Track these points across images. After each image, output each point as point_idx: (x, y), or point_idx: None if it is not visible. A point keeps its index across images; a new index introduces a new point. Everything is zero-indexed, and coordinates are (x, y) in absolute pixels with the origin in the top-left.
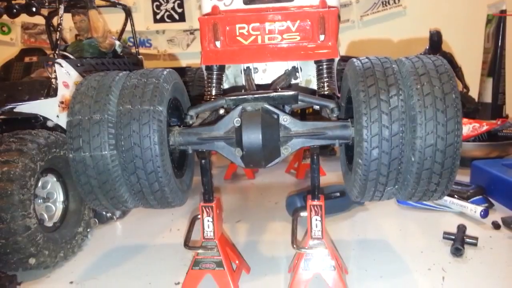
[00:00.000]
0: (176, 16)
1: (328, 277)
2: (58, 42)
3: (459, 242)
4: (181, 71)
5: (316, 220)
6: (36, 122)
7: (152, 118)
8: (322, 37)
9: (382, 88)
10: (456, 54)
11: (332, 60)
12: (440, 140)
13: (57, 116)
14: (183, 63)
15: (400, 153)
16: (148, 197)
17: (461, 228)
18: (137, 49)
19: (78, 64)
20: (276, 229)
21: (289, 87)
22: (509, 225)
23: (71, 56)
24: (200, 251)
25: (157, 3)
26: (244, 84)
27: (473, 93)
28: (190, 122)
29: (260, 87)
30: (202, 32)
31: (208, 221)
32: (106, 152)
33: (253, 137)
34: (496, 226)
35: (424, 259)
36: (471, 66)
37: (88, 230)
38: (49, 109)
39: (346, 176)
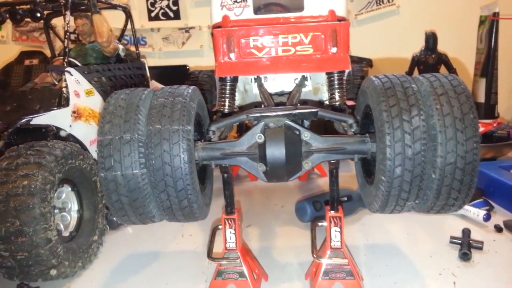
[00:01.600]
0: (171, 14)
1: (347, 286)
2: (67, 50)
3: (466, 246)
4: (180, 70)
5: (336, 231)
6: (48, 132)
7: (182, 137)
8: (334, 49)
9: (404, 108)
10: (449, 53)
11: (343, 72)
12: (460, 158)
13: (70, 126)
14: (179, 61)
15: (422, 171)
16: (176, 213)
17: (466, 232)
18: (137, 51)
19: (86, 71)
20: (286, 235)
21: (305, 102)
22: (509, 228)
23: (77, 62)
24: (223, 262)
25: (152, 0)
26: (256, 92)
27: None
28: (212, 138)
29: (271, 96)
30: (216, 44)
31: (230, 232)
32: (137, 171)
33: (277, 153)
34: (498, 229)
35: (434, 264)
36: (464, 66)
37: (102, 237)
38: (62, 119)
39: (364, 189)
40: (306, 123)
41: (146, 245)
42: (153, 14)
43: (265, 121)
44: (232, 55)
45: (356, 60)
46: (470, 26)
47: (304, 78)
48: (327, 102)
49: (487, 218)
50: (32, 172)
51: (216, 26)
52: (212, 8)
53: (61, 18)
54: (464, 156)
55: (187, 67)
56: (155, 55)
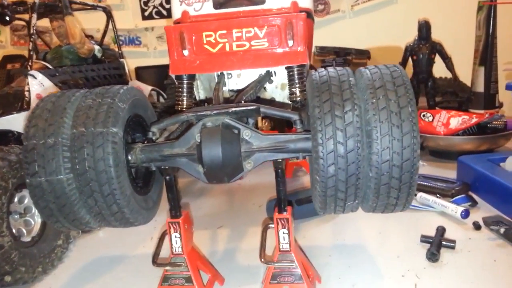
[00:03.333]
0: (164, 12)
1: None
2: (31, 53)
3: (436, 246)
4: None
5: (284, 233)
6: (11, 136)
7: (106, 140)
8: (290, 42)
9: (336, 103)
10: (448, 42)
11: (303, 66)
12: (396, 155)
13: None
14: None
15: (357, 169)
16: (108, 219)
17: (440, 231)
18: (120, 52)
19: (56, 74)
20: (256, 235)
21: (257, 98)
22: (490, 225)
23: (48, 65)
24: (168, 268)
25: None
26: (225, 89)
27: (466, 82)
28: (153, 138)
29: (235, 93)
30: (169, 41)
31: (176, 236)
32: (61, 176)
33: (213, 153)
34: (477, 226)
35: (400, 265)
36: (464, 54)
37: (70, 241)
38: (22, 123)
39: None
40: (251, 121)
41: (114, 248)
42: (146, 13)
43: (204, 121)
44: (185, 52)
45: (354, 53)
46: (469, 13)
47: (268, 74)
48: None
49: (466, 215)
50: None
51: (177, 23)
52: (172, 4)
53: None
54: (400, 152)
55: None
56: (150, 55)
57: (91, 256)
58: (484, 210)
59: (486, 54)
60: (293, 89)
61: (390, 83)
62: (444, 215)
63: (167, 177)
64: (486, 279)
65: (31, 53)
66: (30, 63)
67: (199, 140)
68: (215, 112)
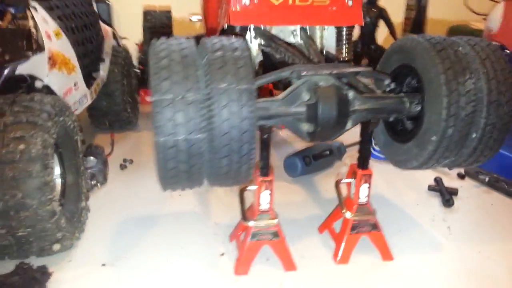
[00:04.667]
0: None
1: (373, 238)
2: None
3: (447, 193)
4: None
5: (365, 187)
6: (20, 83)
7: (251, 98)
8: (350, 2)
9: (458, 71)
10: None
11: (353, 27)
12: (499, 119)
13: (47, 75)
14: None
15: (468, 131)
16: (231, 179)
17: (440, 181)
18: None
19: (47, 8)
20: (279, 191)
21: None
22: (472, 175)
23: None
24: (257, 223)
25: None
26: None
27: None
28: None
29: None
30: None
31: (267, 194)
32: (200, 135)
33: (329, 113)
34: (461, 176)
35: (424, 211)
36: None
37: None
38: (40, 67)
39: (392, 147)
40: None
41: (135, 208)
42: None
43: (313, 80)
44: (246, 2)
45: None
46: None
47: (304, 30)
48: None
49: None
50: (29, 133)
51: None
52: None
53: None
54: (503, 117)
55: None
56: None
57: (113, 218)
58: None
59: (418, 23)
60: (341, 49)
61: (492, 55)
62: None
63: (265, 136)
64: (495, 219)
65: None
66: None
67: (312, 100)
68: (327, 72)
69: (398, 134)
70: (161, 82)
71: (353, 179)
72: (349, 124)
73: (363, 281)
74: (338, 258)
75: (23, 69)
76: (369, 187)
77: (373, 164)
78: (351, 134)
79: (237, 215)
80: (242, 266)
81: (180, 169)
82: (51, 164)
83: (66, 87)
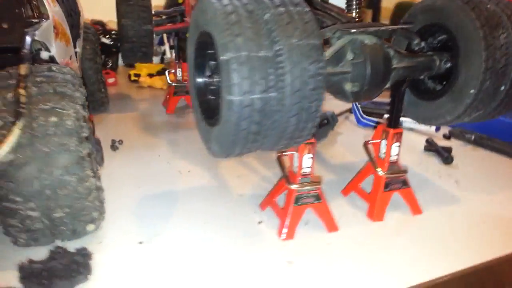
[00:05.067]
0: None
1: (404, 194)
2: None
3: (445, 152)
4: None
5: (396, 146)
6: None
7: (319, 53)
8: None
9: (493, 26)
10: None
11: None
12: None
13: (53, 45)
14: None
15: (500, 84)
16: (294, 139)
17: (432, 142)
18: None
19: None
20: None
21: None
22: (457, 135)
23: None
24: (304, 188)
25: None
26: None
27: None
28: None
29: None
30: None
31: (308, 158)
32: (273, 94)
33: (378, 71)
34: (447, 137)
35: (429, 169)
36: None
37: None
38: (48, 35)
39: (416, 106)
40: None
41: (148, 187)
42: None
43: (359, 39)
44: None
45: None
46: None
47: None
48: None
49: (437, 128)
50: (60, 104)
51: None
52: None
53: None
54: None
55: None
56: None
57: (129, 196)
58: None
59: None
60: (351, 5)
61: None
62: (413, 130)
63: None
64: (492, 171)
65: None
66: None
67: (353, 58)
68: (373, 29)
69: (425, 92)
70: (234, 38)
71: (384, 139)
72: (388, 83)
73: (402, 234)
74: (374, 215)
75: (38, 36)
76: (399, 146)
77: (365, 132)
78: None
79: (258, 185)
80: (288, 230)
81: (250, 130)
82: (87, 137)
83: (65, 61)
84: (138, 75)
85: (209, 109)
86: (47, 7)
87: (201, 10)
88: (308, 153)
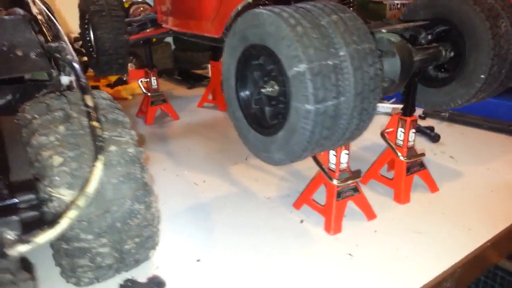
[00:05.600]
0: None
1: (423, 176)
2: None
3: (431, 131)
4: None
5: (412, 132)
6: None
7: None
8: None
9: (495, 16)
10: None
11: None
12: None
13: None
14: None
15: (504, 67)
16: (353, 138)
17: None
18: None
19: None
20: None
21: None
22: (431, 115)
23: None
24: (340, 183)
25: None
26: None
27: None
28: None
29: None
30: None
31: (345, 153)
32: (342, 98)
33: (407, 67)
34: (422, 117)
35: (421, 148)
36: None
37: None
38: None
39: (428, 93)
40: None
41: (169, 203)
42: None
43: (384, 37)
44: None
45: None
46: None
47: None
48: None
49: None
50: (117, 132)
51: None
52: None
53: None
54: None
55: None
56: None
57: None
58: None
59: None
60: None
61: None
62: (389, 114)
63: None
64: (477, 143)
65: None
66: None
67: (381, 55)
68: (396, 27)
69: (431, 80)
70: (306, 50)
71: (400, 127)
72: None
73: (434, 211)
74: (401, 198)
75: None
76: (415, 132)
77: None
78: None
79: (280, 186)
80: (335, 225)
81: (322, 135)
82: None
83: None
84: (96, 87)
85: (260, 119)
86: (60, 29)
87: (254, 24)
88: (345, 149)
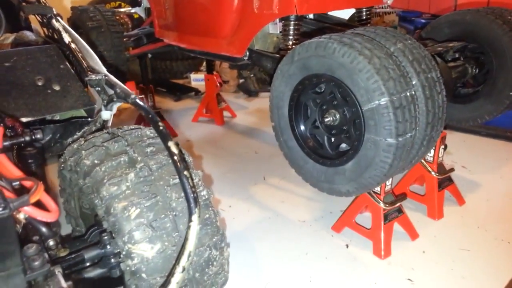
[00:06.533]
0: None
1: (451, 190)
2: None
3: None
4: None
5: (441, 148)
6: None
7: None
8: None
9: None
10: None
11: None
12: None
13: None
14: None
15: None
16: (414, 164)
17: None
18: None
19: None
20: None
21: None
22: None
23: None
24: (387, 206)
25: None
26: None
27: None
28: None
29: None
30: None
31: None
32: (418, 128)
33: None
34: None
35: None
36: None
37: None
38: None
39: (454, 109)
40: None
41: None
42: None
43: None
44: None
45: None
46: None
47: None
48: None
49: None
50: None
51: None
52: None
53: None
54: None
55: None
56: None
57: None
58: None
59: None
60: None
61: None
62: None
63: None
64: (479, 151)
65: None
66: None
67: None
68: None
69: (455, 96)
70: (386, 82)
71: None
72: None
73: (470, 224)
74: (436, 214)
75: None
76: (444, 148)
77: None
78: None
79: (310, 207)
80: (385, 248)
81: (398, 167)
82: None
83: None
84: None
85: (318, 149)
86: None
87: (321, 55)
88: None
